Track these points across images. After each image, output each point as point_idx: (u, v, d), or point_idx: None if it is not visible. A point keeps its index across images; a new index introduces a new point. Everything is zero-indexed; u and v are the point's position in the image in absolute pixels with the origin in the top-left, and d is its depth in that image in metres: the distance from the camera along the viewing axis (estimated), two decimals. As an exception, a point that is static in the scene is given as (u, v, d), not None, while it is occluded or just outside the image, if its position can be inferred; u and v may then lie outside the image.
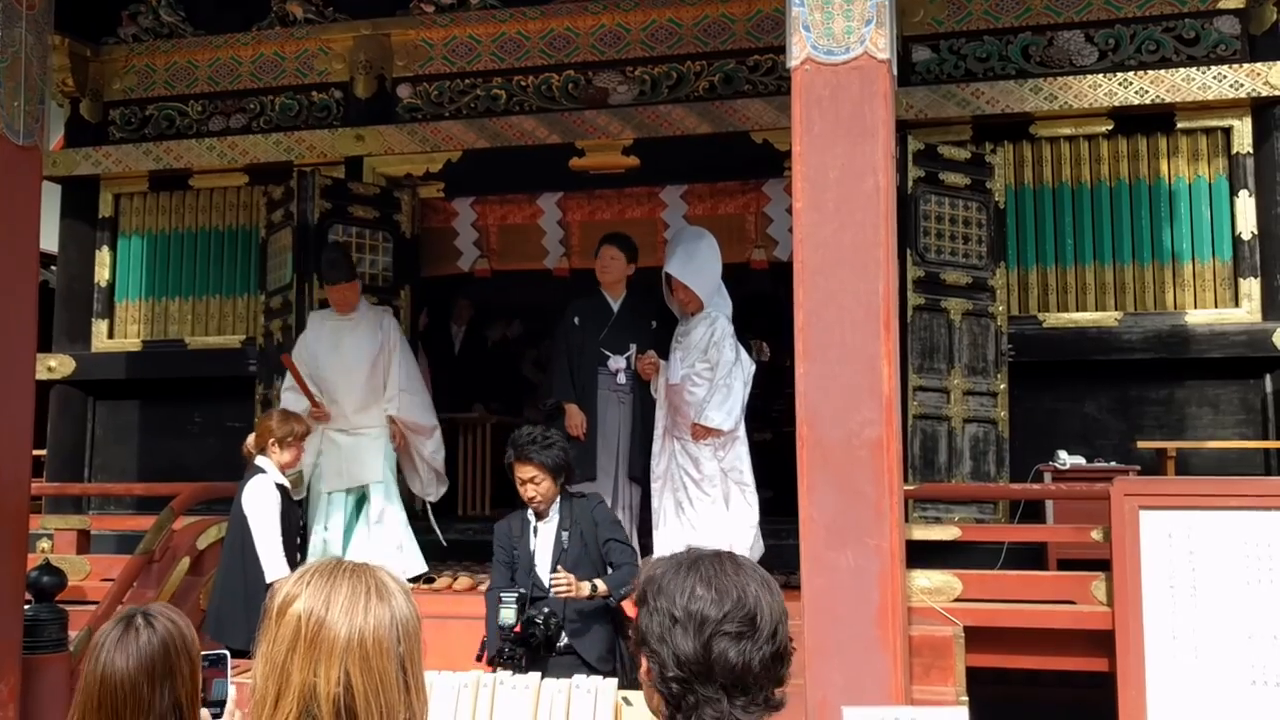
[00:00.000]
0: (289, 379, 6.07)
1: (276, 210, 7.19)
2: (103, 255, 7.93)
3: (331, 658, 1.51)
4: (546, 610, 4.10)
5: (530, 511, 4.43)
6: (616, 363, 5.85)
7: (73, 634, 4.87)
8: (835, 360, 3.42)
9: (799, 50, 3.53)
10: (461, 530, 7.10)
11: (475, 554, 6.76)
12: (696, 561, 1.71)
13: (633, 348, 5.90)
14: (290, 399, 6.01)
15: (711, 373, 5.60)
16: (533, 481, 4.37)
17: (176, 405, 7.60)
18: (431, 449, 6.29)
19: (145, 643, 2.10)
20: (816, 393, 3.45)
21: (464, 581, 5.91)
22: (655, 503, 5.78)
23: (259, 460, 5.28)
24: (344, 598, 1.55)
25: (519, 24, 7.27)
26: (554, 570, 4.17)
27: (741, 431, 5.64)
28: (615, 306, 6.04)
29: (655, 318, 6.10)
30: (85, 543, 6.56)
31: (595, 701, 3.29)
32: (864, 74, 3.45)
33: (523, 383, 9.64)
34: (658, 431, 5.79)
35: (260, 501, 5.14)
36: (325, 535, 5.93)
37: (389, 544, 5.93)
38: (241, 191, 7.74)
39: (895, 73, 3.61)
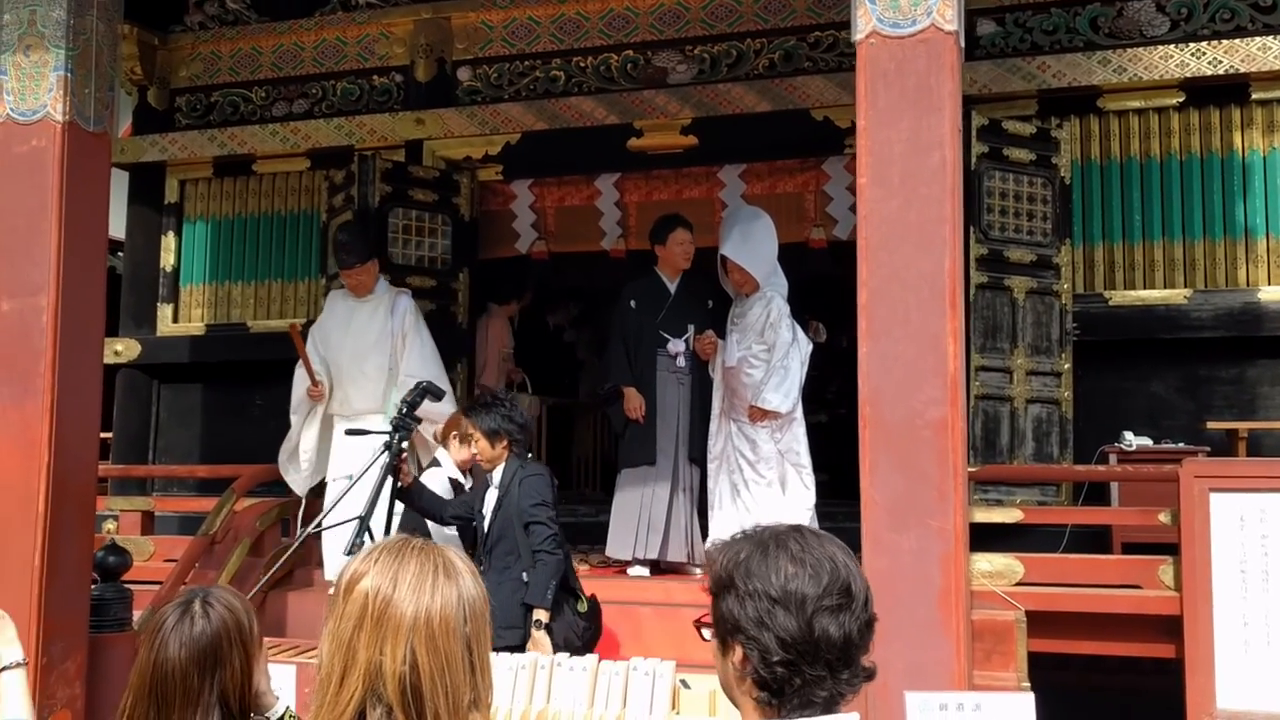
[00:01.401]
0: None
1: (338, 194, 7.26)
2: (168, 240, 8.06)
3: (398, 636, 1.52)
4: None
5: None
6: (676, 346, 5.83)
7: (136, 614, 4.97)
8: (899, 339, 3.37)
9: (864, 23, 3.47)
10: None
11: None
12: (779, 538, 1.65)
13: (690, 329, 5.87)
14: (300, 377, 5.99)
15: (769, 354, 5.56)
16: (471, 440, 4.66)
17: (238, 388, 7.71)
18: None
19: (200, 632, 2.13)
20: (879, 372, 3.40)
21: None
22: (711, 484, 5.77)
23: (437, 452, 5.19)
24: (411, 576, 1.55)
25: (578, 4, 7.24)
26: None
27: (799, 413, 5.61)
28: (672, 288, 6.02)
29: (712, 297, 6.08)
30: (149, 524, 6.70)
31: (653, 684, 3.28)
32: (931, 46, 3.38)
33: (578, 366, 9.67)
34: (715, 412, 5.77)
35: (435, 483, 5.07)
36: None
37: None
38: (303, 176, 7.82)
39: (962, 45, 3.54)
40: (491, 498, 4.65)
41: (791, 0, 6.91)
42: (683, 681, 3.28)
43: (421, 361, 5.86)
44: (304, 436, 6.11)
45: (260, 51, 7.96)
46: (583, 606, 4.47)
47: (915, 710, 2.88)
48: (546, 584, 4.14)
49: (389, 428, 4.65)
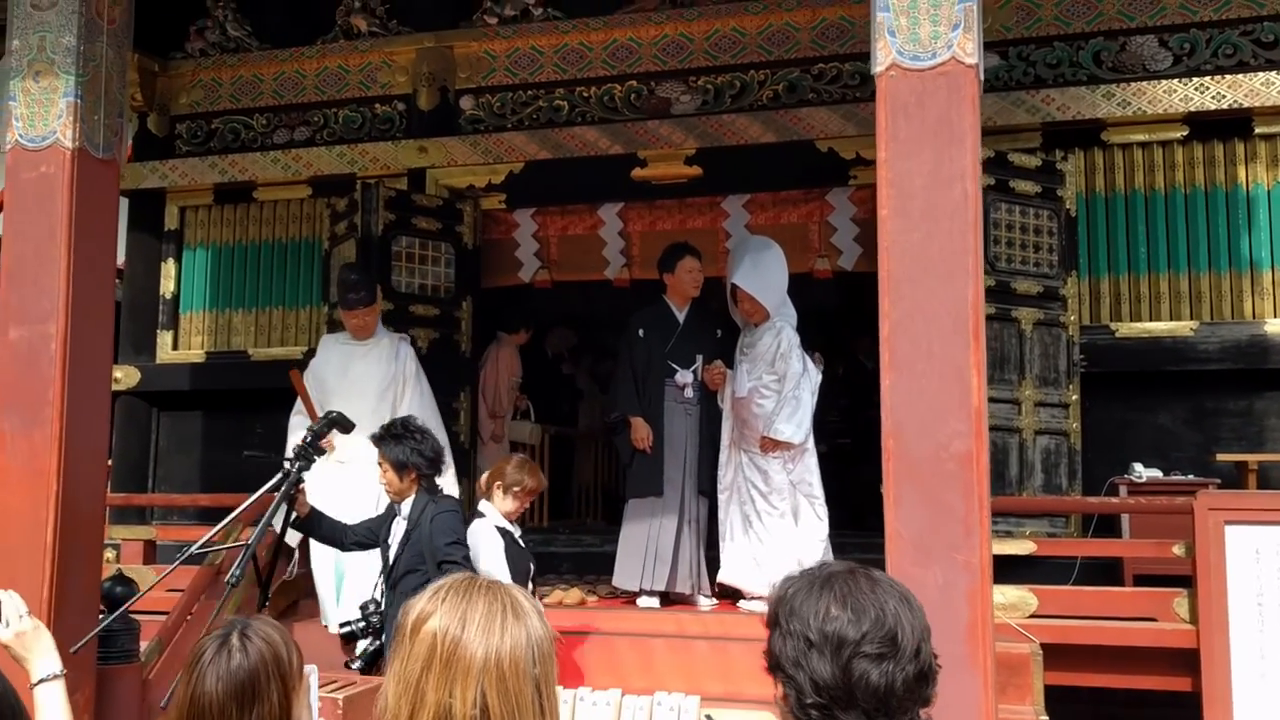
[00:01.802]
0: (297, 403, 5.73)
1: (340, 222, 7.23)
2: (168, 267, 8.02)
3: (468, 678, 1.48)
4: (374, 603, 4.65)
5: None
6: (684, 377, 5.80)
7: (143, 644, 4.89)
8: (922, 372, 3.35)
9: (884, 56, 3.47)
10: (525, 543, 7.05)
11: (539, 565, 6.72)
12: (830, 579, 1.63)
13: (699, 359, 5.85)
14: (296, 425, 5.64)
15: (780, 384, 5.54)
16: (381, 467, 4.64)
17: (239, 416, 7.65)
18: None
19: (237, 666, 2.08)
20: (903, 405, 3.38)
21: (575, 594, 5.82)
22: (722, 515, 5.73)
23: (481, 505, 4.96)
24: (480, 616, 1.52)
25: (581, 35, 7.27)
26: None
27: (811, 444, 5.58)
28: (681, 317, 6.00)
29: (720, 327, 6.06)
30: (151, 553, 6.61)
31: (678, 718, 3.23)
32: (951, 79, 3.39)
33: (577, 394, 9.64)
34: (724, 443, 5.73)
35: (486, 547, 4.80)
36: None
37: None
38: (305, 204, 7.80)
39: (982, 78, 3.54)
40: (399, 529, 4.62)
41: (795, 32, 6.95)
42: (708, 717, 3.23)
43: (420, 410, 5.61)
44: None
45: (261, 79, 7.95)
46: None
47: (948, 749, 2.83)
48: None
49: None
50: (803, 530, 5.43)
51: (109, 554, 5.86)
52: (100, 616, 4.49)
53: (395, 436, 4.59)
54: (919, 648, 1.58)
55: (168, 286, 8.00)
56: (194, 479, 7.68)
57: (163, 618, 5.19)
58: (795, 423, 5.39)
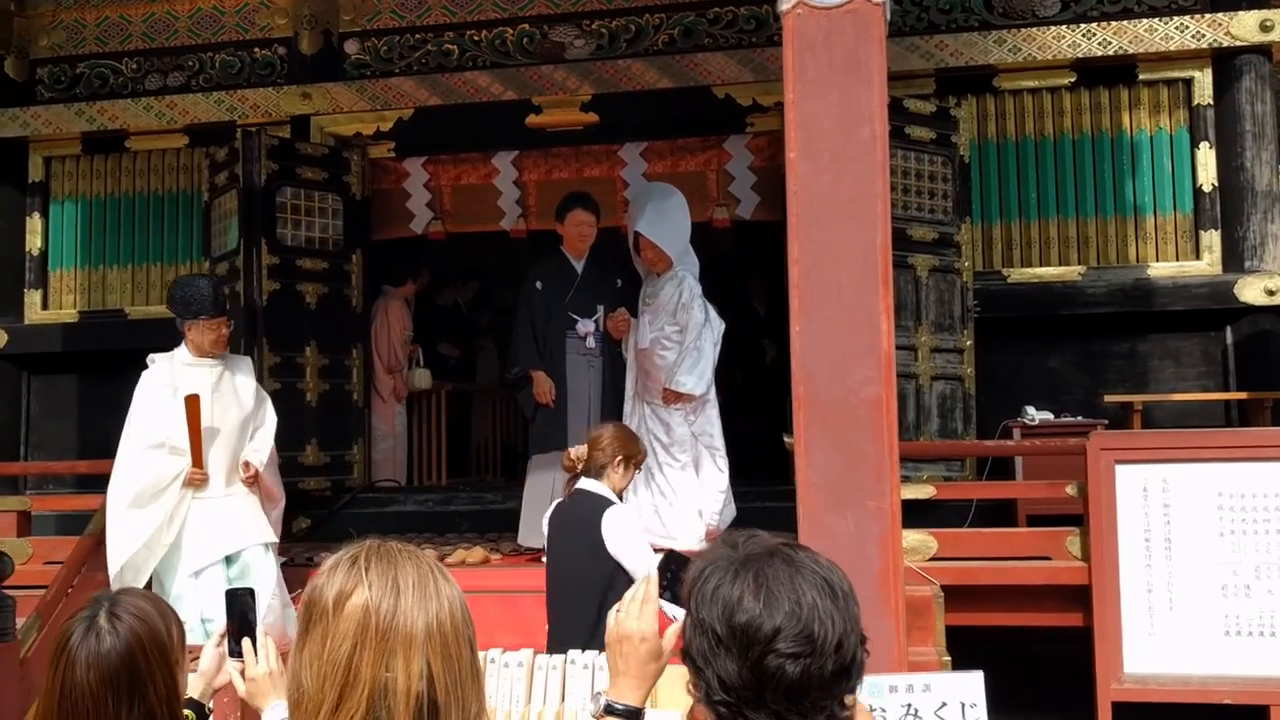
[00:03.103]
0: (149, 433, 4.84)
1: (220, 173, 6.90)
2: (34, 222, 7.57)
3: (411, 649, 1.38)
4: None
5: None
6: (585, 326, 5.70)
7: (19, 621, 4.62)
8: (833, 317, 3.32)
9: (791, -6, 3.40)
10: (420, 501, 6.94)
11: (433, 525, 6.61)
12: (748, 562, 1.49)
13: (600, 309, 5.76)
14: (151, 460, 4.80)
15: (681, 336, 5.49)
16: None
17: (118, 378, 7.21)
18: (274, 519, 5.15)
19: (109, 649, 1.89)
20: (813, 351, 3.34)
21: (478, 553, 5.59)
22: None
23: (588, 484, 4.10)
24: (413, 583, 1.41)
25: (471, -24, 7.02)
26: None
27: (712, 395, 5.55)
28: (579, 268, 5.89)
29: (620, 276, 5.97)
30: (26, 524, 6.27)
31: (593, 678, 3.17)
32: (859, 17, 3.33)
33: (475, 350, 9.45)
34: (628, 394, 5.67)
35: (638, 541, 4.02)
36: (208, 623, 4.60)
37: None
38: (181, 153, 7.43)
39: (888, 18, 3.49)
40: None
41: (690, -25, 6.82)
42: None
43: (272, 432, 5.12)
44: (167, 531, 4.81)
45: (129, 20, 7.52)
46: None
47: (865, 693, 2.83)
48: None
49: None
50: (703, 481, 5.41)
51: (-22, 527, 5.54)
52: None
53: None
54: (840, 642, 1.44)
55: (34, 242, 7.56)
56: (71, 445, 7.31)
57: (40, 592, 4.91)
58: (697, 374, 5.35)
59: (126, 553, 4.73)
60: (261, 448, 5.03)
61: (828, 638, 1.43)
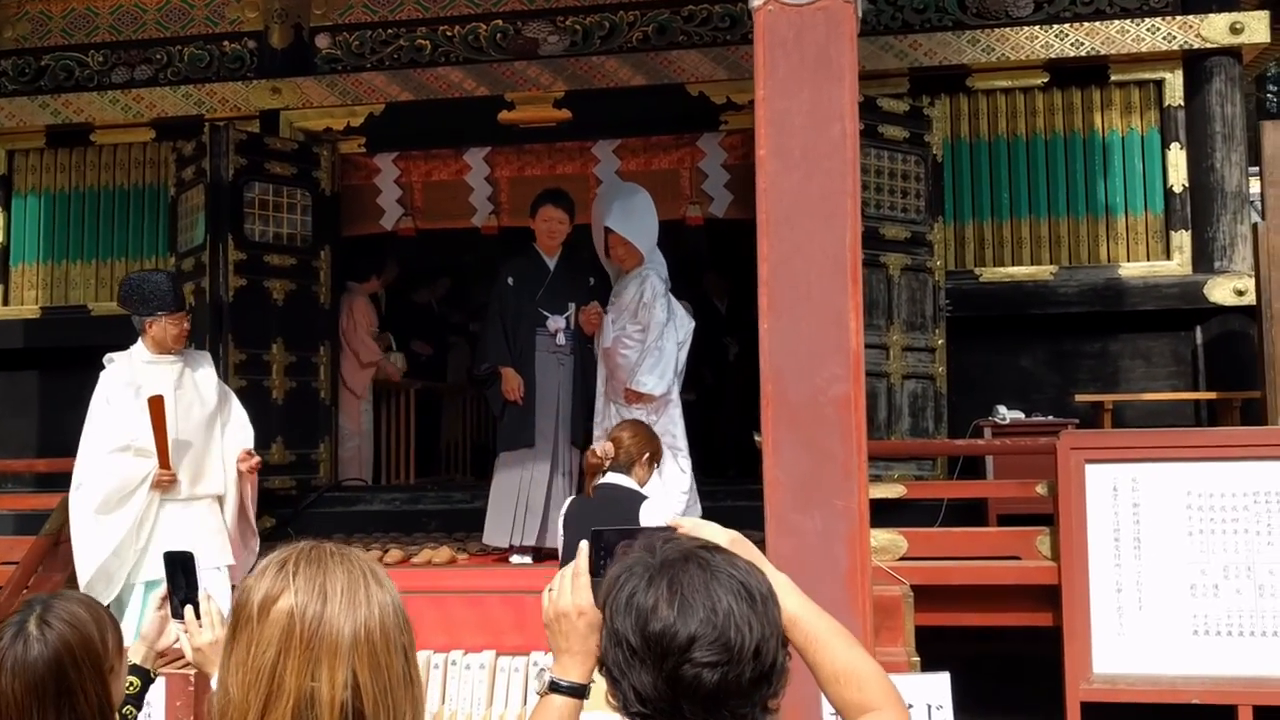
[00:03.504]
0: (112, 436, 4.69)
1: (187, 167, 6.81)
2: (-5, 216, 7.46)
3: (336, 658, 1.32)
4: None
5: None
6: (556, 323, 5.65)
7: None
8: (802, 315, 3.30)
9: (762, -11, 3.37)
10: (388, 500, 6.88)
11: (400, 524, 6.55)
12: (664, 568, 1.45)
13: (571, 306, 5.71)
14: (117, 464, 4.65)
15: (643, 335, 5.45)
16: None
17: (79, 375, 7.11)
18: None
19: (36, 656, 1.81)
20: (781, 349, 3.31)
21: (445, 553, 5.49)
22: (595, 465, 5.62)
23: (616, 478, 4.23)
24: (341, 588, 1.35)
25: (444, -30, 6.96)
26: None
27: (675, 394, 5.50)
28: (551, 265, 5.83)
29: (593, 274, 5.93)
30: (-19, 523, 6.19)
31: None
32: (830, 15, 3.30)
33: (446, 347, 9.39)
34: (599, 392, 5.63)
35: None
36: None
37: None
38: (148, 148, 7.34)
39: (859, 15, 3.47)
40: None
41: (665, -28, 6.79)
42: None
43: (246, 420, 5.01)
44: (136, 537, 4.67)
45: (96, 12, 7.41)
46: None
47: (831, 695, 2.81)
48: None
49: None
50: (666, 482, 5.36)
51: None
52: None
53: None
54: (758, 648, 1.41)
55: (-5, 236, 7.44)
56: (31, 443, 7.20)
57: (-4, 592, 4.83)
58: (657, 374, 5.31)
59: (96, 561, 4.60)
60: (247, 439, 4.93)
61: (745, 644, 1.40)
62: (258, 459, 4.91)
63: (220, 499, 4.90)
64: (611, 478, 4.20)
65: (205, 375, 4.96)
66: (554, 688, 1.59)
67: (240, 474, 4.86)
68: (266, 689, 1.31)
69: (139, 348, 4.86)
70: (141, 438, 4.67)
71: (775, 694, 1.45)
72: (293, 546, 1.44)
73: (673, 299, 5.60)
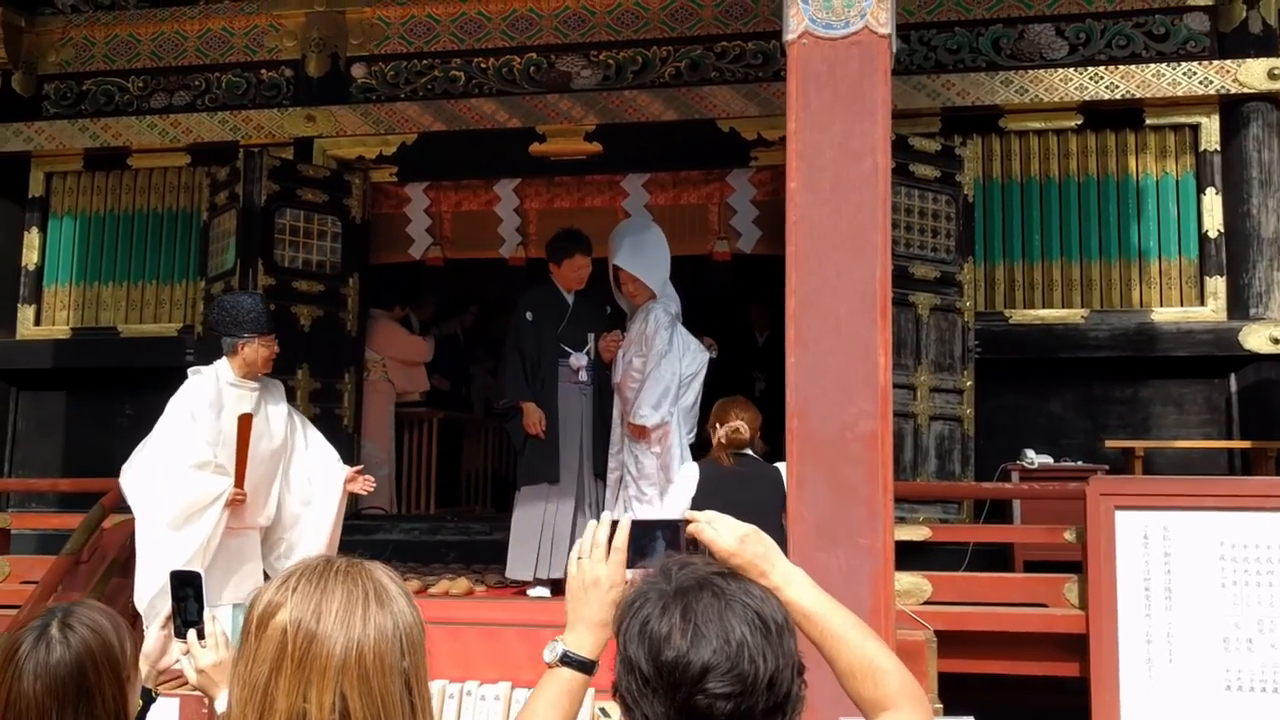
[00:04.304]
0: (193, 452, 4.61)
1: (220, 192, 6.87)
2: (31, 237, 7.54)
3: (325, 679, 1.28)
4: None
5: None
6: (578, 360, 5.62)
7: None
8: (829, 350, 3.25)
9: (796, 23, 3.36)
10: (407, 530, 6.85)
11: (419, 555, 6.52)
12: (678, 595, 1.42)
13: (591, 338, 5.69)
14: (194, 479, 4.58)
15: (646, 366, 5.44)
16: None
17: (106, 396, 7.22)
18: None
19: (58, 660, 1.82)
20: (808, 383, 3.27)
21: (462, 584, 5.44)
22: (609, 498, 5.59)
23: (749, 452, 4.84)
24: (338, 605, 1.31)
25: (480, 4, 7.02)
26: None
27: (675, 423, 5.43)
28: (570, 299, 5.81)
29: (609, 301, 5.93)
30: (5, 542, 6.20)
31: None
32: (864, 49, 3.29)
33: (468, 379, 9.38)
34: (615, 423, 5.61)
35: None
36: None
37: None
38: (183, 172, 7.41)
39: (894, 50, 3.45)
40: None
41: (698, 9, 6.82)
42: (602, 710, 3.09)
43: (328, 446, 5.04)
44: (204, 556, 4.60)
45: (138, 39, 7.52)
46: None
47: (852, 739, 2.74)
48: None
49: None
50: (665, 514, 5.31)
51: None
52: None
53: None
54: (773, 679, 1.37)
55: (31, 257, 7.52)
56: (55, 463, 7.23)
57: (14, 612, 4.82)
58: (651, 405, 5.30)
59: (164, 578, 4.53)
60: (335, 457, 5.03)
61: (759, 675, 1.36)
62: (353, 473, 4.98)
63: (262, 530, 4.90)
64: (748, 452, 4.85)
65: (276, 411, 4.94)
66: (565, 659, 1.58)
67: (342, 491, 4.94)
68: (260, 706, 1.28)
69: (224, 367, 4.83)
70: (222, 455, 4.67)
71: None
72: (309, 560, 1.41)
73: (683, 331, 5.56)
